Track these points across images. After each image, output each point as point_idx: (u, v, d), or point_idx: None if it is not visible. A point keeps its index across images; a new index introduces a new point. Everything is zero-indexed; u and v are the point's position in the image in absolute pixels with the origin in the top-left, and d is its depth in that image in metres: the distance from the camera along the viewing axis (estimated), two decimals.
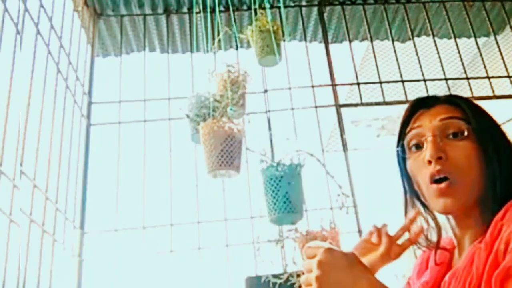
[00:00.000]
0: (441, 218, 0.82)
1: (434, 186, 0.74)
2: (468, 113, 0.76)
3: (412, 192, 0.83)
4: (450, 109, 0.78)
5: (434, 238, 0.83)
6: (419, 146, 0.79)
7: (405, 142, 0.81)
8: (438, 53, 3.18)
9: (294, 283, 1.43)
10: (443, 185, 0.73)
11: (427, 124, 0.78)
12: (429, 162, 0.75)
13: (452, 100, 0.80)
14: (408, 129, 0.81)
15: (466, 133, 0.74)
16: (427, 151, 0.75)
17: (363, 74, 3.40)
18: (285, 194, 1.27)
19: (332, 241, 1.24)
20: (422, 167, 0.77)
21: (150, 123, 2.84)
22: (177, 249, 2.56)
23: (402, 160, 0.83)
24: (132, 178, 2.71)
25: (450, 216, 0.79)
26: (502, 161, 0.73)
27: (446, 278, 0.75)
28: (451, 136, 0.76)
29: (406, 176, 0.83)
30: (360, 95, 3.03)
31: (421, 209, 0.83)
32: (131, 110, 2.86)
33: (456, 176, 0.73)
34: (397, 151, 0.83)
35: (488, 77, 3.15)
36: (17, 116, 1.80)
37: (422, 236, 0.84)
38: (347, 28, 3.21)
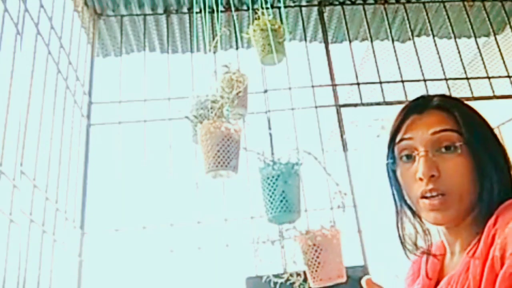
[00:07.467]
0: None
1: (426, 201, 0.73)
2: (461, 123, 0.73)
3: (401, 199, 0.81)
4: (442, 118, 0.75)
5: (422, 243, 0.82)
6: (410, 157, 0.76)
7: (396, 152, 0.79)
8: (438, 53, 3.18)
9: (294, 283, 1.43)
10: (435, 201, 0.72)
11: (419, 136, 0.75)
12: (421, 179, 0.73)
13: (444, 106, 0.77)
14: (399, 138, 0.78)
15: (459, 148, 0.72)
16: (419, 168, 0.73)
17: (363, 74, 3.40)
18: (281, 193, 1.27)
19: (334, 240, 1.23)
20: (413, 181, 0.75)
21: (150, 123, 2.84)
22: (177, 249, 2.56)
23: (392, 172, 0.81)
24: (132, 178, 2.71)
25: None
26: (496, 171, 0.71)
27: (442, 283, 0.74)
28: (443, 150, 0.73)
29: (396, 186, 0.81)
30: (360, 95, 3.03)
31: (410, 214, 0.81)
32: (131, 110, 2.86)
33: (448, 193, 0.72)
34: (387, 164, 0.81)
35: (488, 77, 3.15)
36: (17, 116, 1.80)
37: (410, 242, 0.81)
38: (347, 28, 3.21)
